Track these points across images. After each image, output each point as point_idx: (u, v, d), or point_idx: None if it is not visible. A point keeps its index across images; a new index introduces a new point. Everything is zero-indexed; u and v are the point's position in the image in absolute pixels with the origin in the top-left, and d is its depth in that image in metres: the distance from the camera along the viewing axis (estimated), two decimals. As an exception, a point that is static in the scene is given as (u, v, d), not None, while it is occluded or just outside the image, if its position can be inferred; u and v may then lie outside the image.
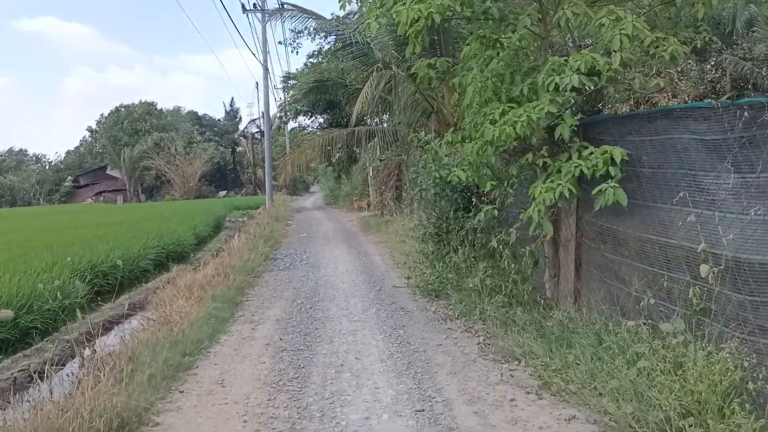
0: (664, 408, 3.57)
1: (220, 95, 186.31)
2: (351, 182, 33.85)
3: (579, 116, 5.70)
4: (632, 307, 4.85)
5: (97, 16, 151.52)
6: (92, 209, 43.17)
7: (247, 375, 5.14)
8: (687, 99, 12.78)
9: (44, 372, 5.41)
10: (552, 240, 6.15)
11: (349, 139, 17.64)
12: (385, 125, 19.04)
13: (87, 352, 5.41)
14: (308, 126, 34.51)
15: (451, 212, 8.82)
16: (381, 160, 21.22)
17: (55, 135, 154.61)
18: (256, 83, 52.41)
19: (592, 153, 5.20)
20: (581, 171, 5.17)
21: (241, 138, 72.33)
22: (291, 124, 38.61)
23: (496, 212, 6.17)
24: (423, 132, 10.17)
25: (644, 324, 4.44)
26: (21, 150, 79.26)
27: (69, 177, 71.11)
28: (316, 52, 31.99)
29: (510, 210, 6.93)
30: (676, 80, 13.76)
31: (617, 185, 4.87)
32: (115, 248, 14.70)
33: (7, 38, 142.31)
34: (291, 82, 34.75)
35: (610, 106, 12.43)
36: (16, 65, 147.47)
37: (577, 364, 4.52)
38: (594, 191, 4.99)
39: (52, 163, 77.27)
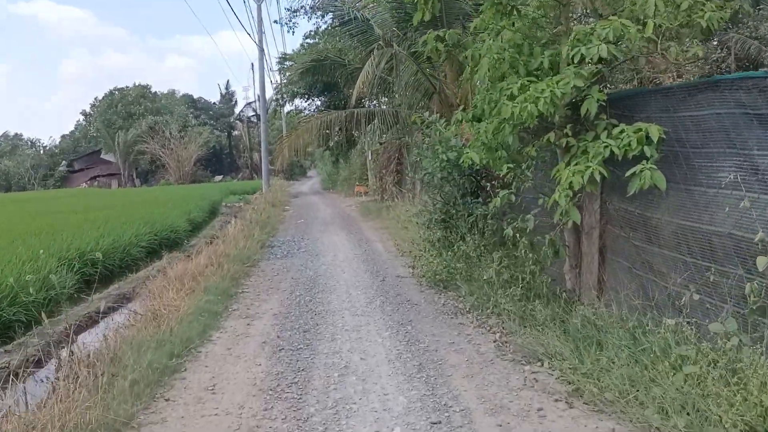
0: (723, 423, 3.08)
1: (215, 79, 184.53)
2: (349, 167, 33.21)
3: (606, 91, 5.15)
4: (670, 303, 4.36)
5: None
6: (86, 194, 42.46)
7: (241, 379, 4.64)
8: (692, 79, 12.25)
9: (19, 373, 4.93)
10: (573, 227, 5.63)
11: (347, 122, 17.01)
12: (384, 107, 18.39)
13: (65, 352, 4.90)
14: (305, 109, 33.74)
15: (459, 197, 8.29)
16: (381, 143, 20.61)
17: (51, 119, 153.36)
18: (252, 64, 51.59)
19: (623, 131, 4.66)
20: (612, 152, 4.64)
21: (237, 121, 71.40)
22: (287, 107, 37.80)
23: (513, 197, 5.63)
24: (428, 113, 9.59)
25: (687, 323, 3.94)
26: (16, 134, 78.21)
27: (63, 162, 70.28)
28: (312, 32, 31.16)
29: (524, 195, 6.40)
30: (681, 60, 13.18)
31: (654, 167, 4.34)
32: (105, 235, 14.17)
33: (2, 22, 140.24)
34: (287, 63, 34.00)
35: (611, 86, 11.85)
36: (12, 49, 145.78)
37: (610, 367, 4.03)
38: (628, 173, 4.46)
39: (47, 148, 76.34)
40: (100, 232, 14.55)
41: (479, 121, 6.54)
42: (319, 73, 20.59)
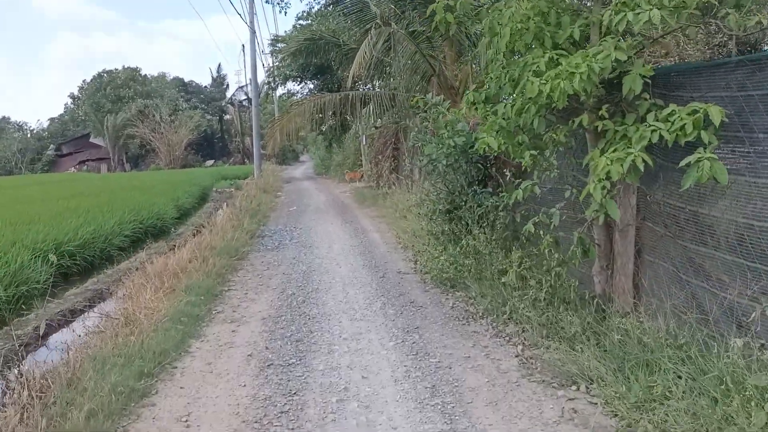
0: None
1: (206, 62, 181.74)
2: (343, 151, 32.35)
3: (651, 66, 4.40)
4: (734, 318, 3.66)
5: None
6: (73, 179, 41.42)
7: (221, 407, 3.91)
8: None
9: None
10: (605, 224, 4.92)
11: (342, 105, 16.19)
12: (380, 91, 17.53)
13: (13, 374, 4.16)
14: (298, 92, 32.84)
15: (466, 186, 7.57)
16: (377, 128, 19.78)
17: (39, 102, 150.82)
18: (242, 45, 50.38)
19: (673, 113, 3.93)
20: (660, 137, 3.91)
21: (228, 105, 70.12)
22: (280, 90, 36.80)
23: (537, 189, 4.89)
24: (429, 94, 8.84)
25: (762, 345, 3.26)
26: (4, 117, 76.51)
27: (51, 145, 68.93)
28: (305, 13, 30.12)
29: (542, 185, 5.67)
30: (682, 44, 12.45)
31: (714, 156, 3.62)
32: (85, 224, 13.36)
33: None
34: (279, 45, 32.97)
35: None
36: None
37: (667, 397, 3.34)
38: (682, 163, 3.73)
39: (34, 131, 74.81)
40: (80, 220, 13.74)
41: (491, 102, 5.82)
42: (312, 55, 19.70)
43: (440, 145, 7.53)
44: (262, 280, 7.91)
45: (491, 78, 5.61)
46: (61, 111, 74.38)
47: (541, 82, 4.33)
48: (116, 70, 65.91)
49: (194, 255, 8.44)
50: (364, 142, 26.45)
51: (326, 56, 19.92)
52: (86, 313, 7.73)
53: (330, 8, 26.57)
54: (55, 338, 7.18)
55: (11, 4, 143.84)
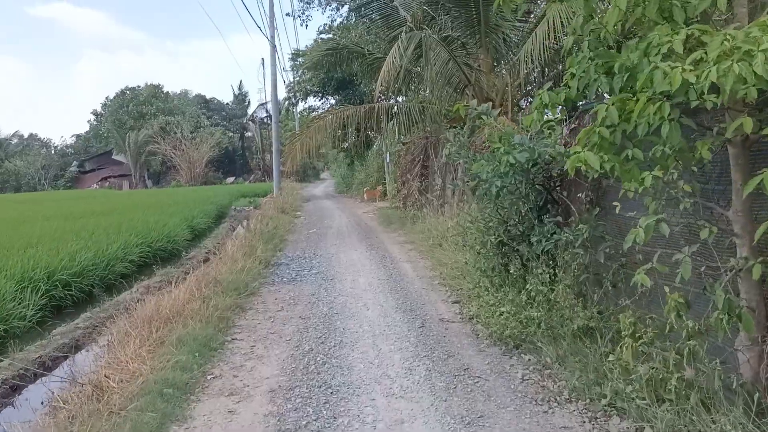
0: None
1: (229, 80, 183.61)
2: (365, 169, 31.06)
3: None
4: None
5: (109, 1, 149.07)
6: (91, 196, 40.86)
7: None
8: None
9: None
10: (759, 278, 3.39)
11: (366, 118, 14.84)
12: (407, 103, 16.16)
13: None
14: (319, 108, 31.73)
15: (525, 213, 6.09)
16: (404, 144, 18.39)
17: (67, 120, 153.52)
18: (262, 59, 49.68)
19: None
20: None
21: (249, 123, 69.69)
22: (301, 105, 35.83)
23: (665, 227, 3.37)
24: (474, 101, 7.44)
25: None
26: (31, 135, 77.28)
27: (74, 162, 69.18)
28: (327, 26, 29.08)
29: (630, 214, 4.16)
30: None
31: None
32: (86, 248, 12.15)
33: (21, 24, 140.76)
34: (300, 60, 32.06)
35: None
36: (30, 51, 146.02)
37: None
38: None
39: (58, 148, 75.32)
40: (81, 244, 12.55)
41: (570, 102, 4.42)
42: (334, 67, 18.44)
43: (494, 163, 6.08)
44: (274, 326, 6.49)
45: (578, 68, 4.17)
46: (86, 128, 74.78)
47: (684, 68, 2.88)
48: (139, 87, 66.10)
49: (194, 293, 7.04)
50: (388, 159, 25.11)
51: (349, 68, 18.66)
52: (59, 366, 6.39)
53: (353, 18, 25.53)
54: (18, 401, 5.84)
55: (43, 25, 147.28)
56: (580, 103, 5.84)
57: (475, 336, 5.75)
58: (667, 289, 3.48)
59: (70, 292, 10.31)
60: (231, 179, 64.58)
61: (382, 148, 26.40)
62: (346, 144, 24.05)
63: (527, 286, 5.45)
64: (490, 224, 6.74)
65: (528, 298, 5.37)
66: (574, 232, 5.28)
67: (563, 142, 6.30)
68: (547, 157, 5.81)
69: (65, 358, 6.79)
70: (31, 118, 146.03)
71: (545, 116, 5.38)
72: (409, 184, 16.34)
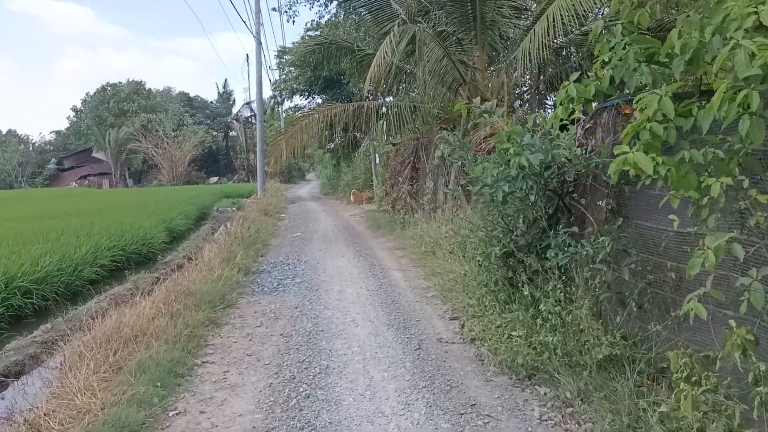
0: None
1: (214, 78, 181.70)
2: (352, 171, 30.33)
3: None
4: None
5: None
6: (68, 194, 39.62)
7: None
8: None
9: None
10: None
11: (355, 117, 14.14)
12: (399, 102, 15.46)
13: None
14: (305, 107, 30.92)
15: (545, 222, 5.42)
16: (394, 145, 17.69)
17: (47, 117, 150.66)
18: (246, 55, 48.69)
19: None
20: None
21: (233, 121, 68.56)
22: (287, 104, 35.02)
23: (738, 249, 2.70)
24: (477, 99, 6.77)
25: None
26: (10, 131, 75.34)
27: (53, 159, 67.53)
28: (314, 23, 28.27)
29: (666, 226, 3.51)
30: None
31: None
32: (51, 251, 11.30)
33: (1, 19, 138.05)
34: (286, 57, 31.30)
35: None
36: (10, 46, 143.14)
37: None
38: None
39: (36, 144, 73.51)
40: (46, 247, 11.69)
41: (602, 96, 3.81)
42: (322, 64, 17.71)
43: (502, 166, 5.40)
44: (251, 346, 5.74)
45: (608, 61, 3.53)
46: (66, 125, 73.03)
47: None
48: (120, 83, 64.60)
49: (162, 308, 6.26)
50: (377, 161, 24.41)
51: (337, 66, 17.94)
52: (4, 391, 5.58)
53: (341, 14, 24.81)
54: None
55: (24, 20, 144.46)
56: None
57: (479, 361, 5.06)
58: (733, 323, 2.81)
59: (30, 300, 9.49)
60: (214, 179, 63.44)
61: (370, 149, 25.70)
62: (332, 144, 23.36)
63: (540, 306, 4.77)
64: (494, 233, 6.08)
65: (542, 320, 4.70)
66: (593, 245, 4.63)
67: (577, 143, 5.66)
68: (562, 159, 5.15)
69: (13, 381, 5.98)
70: (10, 114, 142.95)
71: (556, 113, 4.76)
72: (399, 187, 15.65)
